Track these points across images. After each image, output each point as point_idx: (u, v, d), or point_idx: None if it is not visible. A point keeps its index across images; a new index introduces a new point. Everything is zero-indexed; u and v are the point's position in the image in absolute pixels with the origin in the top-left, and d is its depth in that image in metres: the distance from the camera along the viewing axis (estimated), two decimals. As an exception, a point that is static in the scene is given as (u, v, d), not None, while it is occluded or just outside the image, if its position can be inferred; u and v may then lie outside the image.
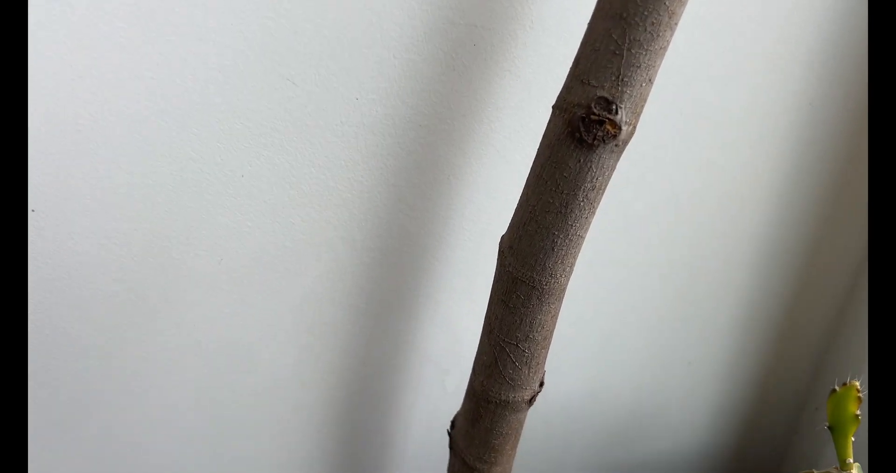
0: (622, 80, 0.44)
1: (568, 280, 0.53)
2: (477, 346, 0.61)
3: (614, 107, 0.45)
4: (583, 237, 0.51)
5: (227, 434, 0.74)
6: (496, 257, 0.55)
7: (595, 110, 0.45)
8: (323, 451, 0.79)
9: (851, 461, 0.56)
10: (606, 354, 0.85)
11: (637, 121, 0.47)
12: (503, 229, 0.64)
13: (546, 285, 0.52)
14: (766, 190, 0.80)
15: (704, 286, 0.85)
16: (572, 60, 0.47)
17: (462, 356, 0.77)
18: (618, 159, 0.48)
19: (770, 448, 1.03)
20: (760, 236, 0.84)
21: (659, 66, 0.45)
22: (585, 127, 0.46)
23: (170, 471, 0.74)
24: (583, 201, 0.49)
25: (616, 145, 0.46)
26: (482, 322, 0.61)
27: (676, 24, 0.44)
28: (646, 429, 0.94)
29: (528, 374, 0.56)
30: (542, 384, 0.59)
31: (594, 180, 0.48)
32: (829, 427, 0.57)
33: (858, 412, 0.55)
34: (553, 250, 0.50)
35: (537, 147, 0.50)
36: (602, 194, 0.50)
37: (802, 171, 0.80)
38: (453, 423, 0.64)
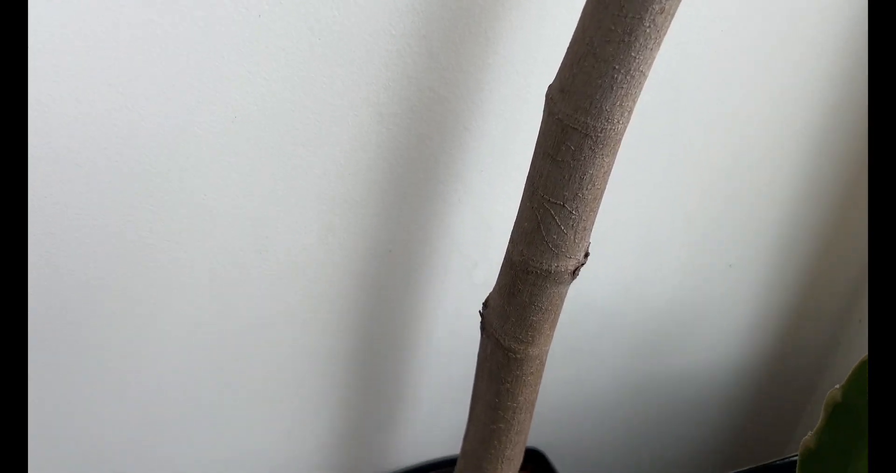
0: None
1: (625, 128, 0.47)
2: (509, 235, 0.56)
3: None
4: (645, 75, 0.45)
5: (239, 326, 0.69)
6: (542, 110, 0.49)
7: None
8: (340, 346, 0.74)
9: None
10: (644, 249, 0.79)
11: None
12: (543, 88, 0.58)
13: (601, 131, 0.46)
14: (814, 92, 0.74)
15: (749, 184, 0.79)
16: None
17: (492, 247, 0.72)
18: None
19: (810, 361, 0.99)
20: (808, 137, 0.78)
21: None
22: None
23: (176, 360, 0.70)
24: (649, 26, 0.42)
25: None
26: (515, 209, 0.56)
27: None
28: (680, 338, 0.90)
29: (574, 240, 0.51)
30: (587, 255, 0.53)
31: (663, 1, 0.42)
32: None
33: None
34: (612, 88, 0.44)
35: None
36: (670, 21, 0.43)
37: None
38: (486, 303, 0.59)
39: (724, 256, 0.83)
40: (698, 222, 0.79)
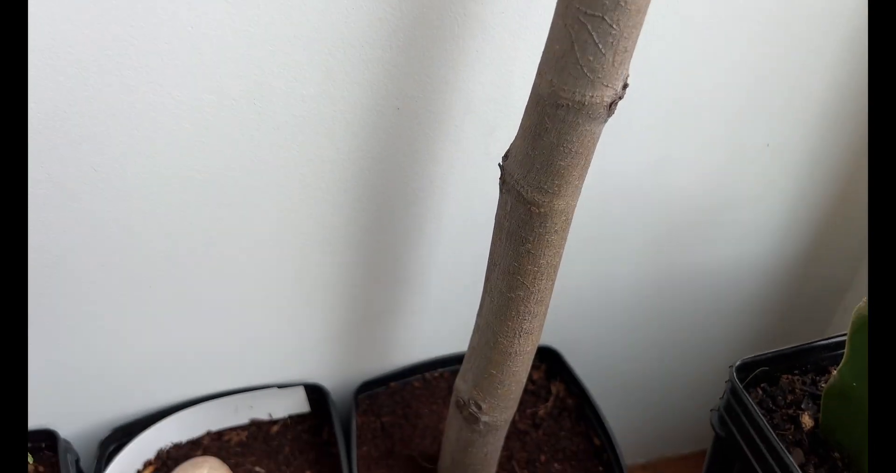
0: None
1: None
2: (529, 95, 0.49)
3: None
4: None
5: (235, 189, 0.64)
6: None
7: None
8: (342, 216, 0.69)
9: None
10: (673, 123, 0.72)
11: None
12: None
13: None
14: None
15: (795, 46, 0.71)
16: None
17: (512, 109, 0.65)
18: None
19: (844, 259, 0.93)
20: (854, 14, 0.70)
21: None
22: None
23: (170, 234, 0.65)
24: None
25: None
26: (536, 64, 0.49)
27: None
28: (707, 229, 0.84)
29: (613, 63, 0.44)
30: (626, 87, 0.47)
31: None
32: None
33: None
34: None
35: None
36: None
37: None
38: (506, 154, 0.53)
39: (760, 134, 0.76)
40: (735, 93, 0.72)
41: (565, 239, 0.55)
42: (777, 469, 0.54)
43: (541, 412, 0.83)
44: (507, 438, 0.81)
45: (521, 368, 0.63)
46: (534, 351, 0.62)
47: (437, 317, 0.82)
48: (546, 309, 0.60)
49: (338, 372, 0.83)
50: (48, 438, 0.76)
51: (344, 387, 0.84)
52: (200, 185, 0.62)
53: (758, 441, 0.56)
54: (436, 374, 0.86)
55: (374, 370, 0.84)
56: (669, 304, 0.91)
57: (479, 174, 0.69)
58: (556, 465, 0.79)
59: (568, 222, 0.54)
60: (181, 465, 0.68)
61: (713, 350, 0.99)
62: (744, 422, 0.58)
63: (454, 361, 0.86)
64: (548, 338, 0.89)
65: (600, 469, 0.78)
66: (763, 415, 0.55)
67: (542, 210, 0.52)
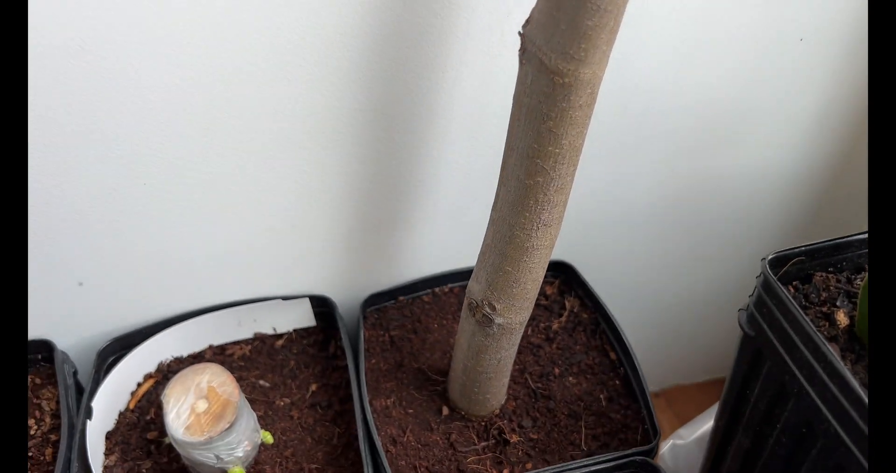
0: None
1: None
2: None
3: None
4: None
5: (259, 87, 0.59)
6: None
7: None
8: (347, 108, 0.64)
9: None
10: (702, 12, 0.67)
11: None
12: None
13: None
14: None
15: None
16: None
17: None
18: None
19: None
20: None
21: None
22: None
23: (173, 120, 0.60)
24: None
25: None
26: None
27: None
28: (733, 131, 0.79)
29: None
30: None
31: None
32: None
33: None
34: None
35: None
36: None
37: None
38: (527, 21, 0.49)
39: (795, 26, 0.71)
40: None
41: (590, 117, 0.51)
42: (814, 362, 0.51)
43: (554, 326, 0.80)
44: (520, 352, 0.78)
45: (537, 264, 0.59)
46: (552, 247, 0.59)
47: (447, 227, 0.78)
48: (566, 199, 0.56)
49: (344, 284, 0.80)
50: (45, 349, 0.73)
51: (350, 300, 0.81)
52: (200, 76, 0.58)
53: (792, 334, 0.52)
54: (445, 289, 0.83)
55: (382, 282, 0.81)
56: (690, 216, 0.87)
57: (492, 64, 0.64)
58: (570, 378, 0.76)
59: (594, 96, 0.50)
60: (182, 371, 0.65)
61: (735, 266, 0.96)
62: (777, 317, 0.54)
63: (464, 275, 0.83)
64: (562, 253, 0.85)
65: (617, 382, 0.75)
66: (799, 308, 0.52)
67: (567, 80, 0.47)
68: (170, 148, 0.62)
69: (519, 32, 0.49)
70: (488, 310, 0.62)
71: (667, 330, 1.03)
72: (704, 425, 0.88)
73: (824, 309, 0.57)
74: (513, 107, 0.53)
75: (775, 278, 0.54)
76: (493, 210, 0.59)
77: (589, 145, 0.75)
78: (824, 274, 0.59)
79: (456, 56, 0.63)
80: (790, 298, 0.53)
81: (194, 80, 0.58)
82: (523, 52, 0.50)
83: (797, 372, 0.53)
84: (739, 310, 0.60)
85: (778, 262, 0.57)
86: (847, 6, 0.71)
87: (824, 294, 0.58)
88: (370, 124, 0.66)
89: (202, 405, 0.63)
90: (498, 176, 0.58)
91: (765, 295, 0.55)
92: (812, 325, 0.51)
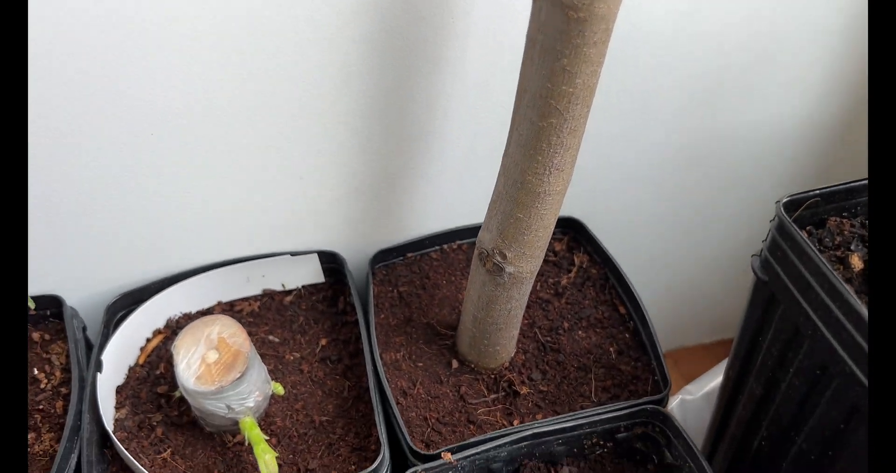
0: None
1: None
2: None
3: None
4: None
5: (267, 36, 0.58)
6: None
7: None
8: (356, 61, 0.64)
9: None
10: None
11: None
12: None
13: None
14: None
15: None
16: None
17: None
18: None
19: None
20: None
21: None
22: None
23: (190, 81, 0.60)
24: None
25: None
26: None
27: None
28: (746, 82, 0.78)
29: None
30: None
31: None
32: None
33: None
34: None
35: None
36: None
37: None
38: (541, -47, 0.48)
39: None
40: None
41: (604, 56, 0.50)
42: (830, 302, 0.50)
43: (563, 281, 0.80)
44: (529, 307, 0.78)
45: (549, 211, 0.59)
46: (563, 192, 0.58)
47: (456, 182, 0.78)
48: (579, 143, 0.55)
49: (352, 241, 0.79)
50: (54, 305, 0.73)
51: (359, 257, 0.80)
52: (212, 30, 0.57)
53: (807, 275, 0.52)
54: (454, 246, 0.83)
55: (390, 239, 0.80)
56: (700, 170, 0.86)
57: (503, 8, 0.63)
58: (579, 332, 0.76)
59: (608, 32, 0.49)
60: (192, 323, 0.65)
61: (744, 224, 0.95)
62: (791, 259, 0.54)
63: (473, 232, 0.82)
64: (570, 209, 0.84)
65: (626, 335, 0.75)
66: (815, 248, 0.52)
67: (581, 15, 0.46)
68: (178, 98, 0.61)
69: (533, -34, 0.48)
70: (499, 259, 0.62)
71: (674, 290, 1.03)
72: (713, 381, 0.88)
73: (838, 253, 0.56)
74: (525, 46, 0.52)
75: (790, 220, 0.53)
76: (504, 156, 0.59)
77: (597, 98, 0.74)
78: (838, 219, 0.59)
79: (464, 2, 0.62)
80: (805, 239, 0.53)
81: (204, 30, 0.57)
82: (537, -16, 0.49)
83: (812, 314, 0.53)
84: (752, 256, 0.60)
85: (792, 205, 0.56)
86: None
87: (838, 238, 0.57)
88: (378, 74, 0.65)
89: (213, 356, 0.63)
90: (506, 130, 0.57)
91: (779, 238, 0.55)
92: (828, 264, 0.51)
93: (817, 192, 0.57)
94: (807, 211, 0.58)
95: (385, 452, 0.62)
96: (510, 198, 0.58)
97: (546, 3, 0.48)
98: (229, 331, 0.65)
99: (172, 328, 0.76)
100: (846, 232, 0.58)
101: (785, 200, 0.56)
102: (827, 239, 0.57)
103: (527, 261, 0.62)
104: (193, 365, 0.62)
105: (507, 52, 0.67)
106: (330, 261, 0.78)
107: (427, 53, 0.65)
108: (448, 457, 0.61)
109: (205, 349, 0.63)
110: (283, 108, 0.65)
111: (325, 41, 0.61)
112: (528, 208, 0.58)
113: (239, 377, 0.62)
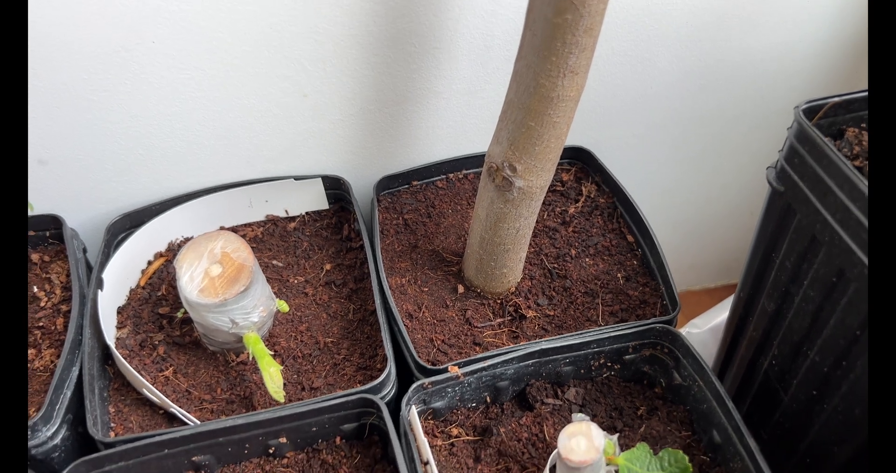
0: None
1: None
2: None
3: None
4: None
5: None
6: None
7: None
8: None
9: None
10: None
11: None
12: None
13: None
14: None
15: None
16: None
17: None
18: None
19: None
20: None
21: None
22: None
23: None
24: None
25: None
26: None
27: None
28: (758, 8, 0.76)
29: None
30: None
31: None
32: None
33: None
34: None
35: None
36: None
37: None
38: None
39: None
40: None
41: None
42: (849, 203, 0.49)
43: (571, 210, 0.79)
44: (535, 235, 0.77)
45: (562, 119, 0.57)
46: (577, 99, 0.57)
47: (462, 107, 0.76)
48: (594, 44, 0.54)
49: (357, 166, 0.78)
50: (54, 224, 0.71)
51: (362, 182, 0.79)
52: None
53: (826, 178, 0.51)
54: (460, 174, 0.81)
55: (395, 165, 0.79)
56: (707, 101, 0.85)
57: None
58: (586, 259, 0.75)
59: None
60: (194, 239, 0.64)
61: (756, 157, 0.94)
62: (810, 165, 0.53)
63: (479, 161, 0.81)
64: (578, 138, 0.83)
65: (634, 262, 0.74)
66: (836, 152, 0.50)
67: None
68: (180, 2, 0.60)
69: None
70: (508, 172, 0.60)
71: (679, 230, 1.02)
72: (719, 316, 0.87)
73: (857, 163, 0.55)
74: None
75: (810, 124, 0.52)
76: (516, 61, 0.57)
77: (607, 28, 0.72)
78: (856, 130, 0.57)
79: None
80: (826, 142, 0.51)
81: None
82: None
83: (830, 219, 0.52)
84: (768, 168, 0.58)
85: (811, 112, 0.55)
86: None
87: (857, 148, 0.56)
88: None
89: (216, 270, 0.62)
90: (517, 46, 0.55)
91: (798, 145, 0.54)
92: (850, 166, 0.49)
93: (836, 99, 0.55)
94: (825, 120, 0.56)
95: (391, 366, 0.61)
96: (522, 105, 0.57)
97: None
98: (232, 246, 0.63)
99: (174, 251, 0.74)
100: (864, 143, 0.56)
101: (804, 106, 0.54)
102: (846, 149, 0.56)
103: (537, 174, 0.61)
104: (196, 278, 0.61)
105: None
106: (334, 186, 0.77)
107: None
108: (455, 370, 0.60)
109: (208, 263, 0.62)
110: (289, 21, 0.63)
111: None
112: (540, 116, 0.56)
113: (243, 291, 0.61)
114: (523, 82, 0.56)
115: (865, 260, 0.49)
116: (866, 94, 0.56)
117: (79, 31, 0.59)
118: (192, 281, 0.61)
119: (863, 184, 0.48)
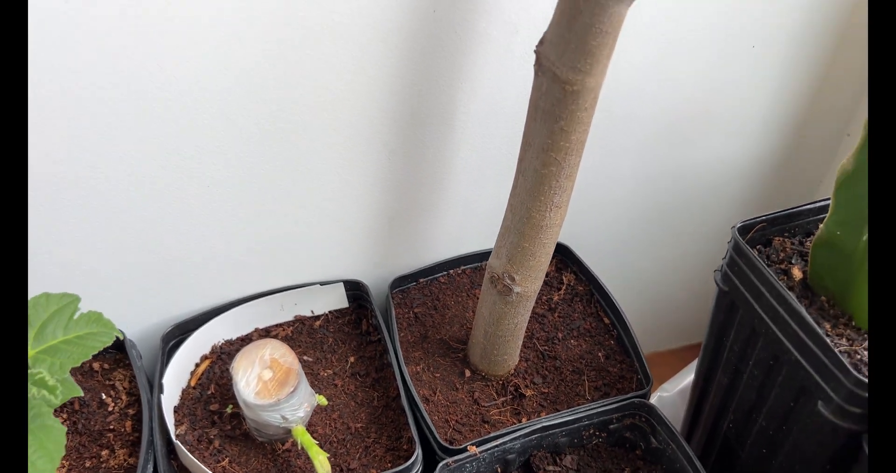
0: None
1: None
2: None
3: None
4: None
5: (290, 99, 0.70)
6: None
7: None
8: (382, 115, 0.76)
9: None
10: (673, 30, 0.80)
11: None
12: None
13: None
14: None
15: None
16: None
17: (533, 12, 0.72)
18: None
19: (815, 163, 1.04)
20: None
21: None
22: None
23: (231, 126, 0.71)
24: None
25: None
26: None
27: None
28: (701, 125, 0.92)
29: (641, -53, 0.52)
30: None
31: None
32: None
33: None
34: None
35: None
36: None
37: None
38: (541, 40, 0.60)
39: (747, 37, 0.85)
40: (725, 3, 0.80)
41: (592, 117, 0.63)
42: (778, 306, 0.64)
43: (555, 298, 0.93)
44: (527, 321, 0.90)
45: (549, 240, 0.71)
46: (561, 224, 0.71)
47: (462, 215, 0.90)
48: (573, 185, 0.68)
49: (372, 270, 0.91)
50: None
51: (377, 284, 0.92)
52: (250, 79, 0.68)
53: (759, 285, 0.65)
54: (459, 271, 0.95)
55: (405, 267, 0.92)
56: (664, 201, 1.00)
57: (502, 74, 0.76)
58: (572, 341, 0.88)
59: (595, 99, 0.62)
60: (245, 347, 0.76)
61: (704, 243, 1.09)
62: (746, 273, 0.67)
63: (475, 258, 0.94)
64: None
65: (611, 342, 0.88)
66: (764, 265, 0.65)
67: (575, 88, 0.59)
68: (222, 163, 0.72)
69: (535, 50, 0.61)
70: (508, 281, 0.74)
71: (647, 302, 1.17)
72: (685, 379, 1.01)
73: (782, 266, 0.70)
74: (528, 110, 0.65)
75: (744, 241, 0.67)
76: (511, 197, 0.71)
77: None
78: (781, 238, 0.72)
79: (472, 66, 0.75)
80: (756, 257, 0.66)
81: (249, 85, 0.69)
82: (539, 66, 0.61)
83: (764, 316, 0.66)
84: (715, 271, 0.73)
85: (745, 229, 0.70)
86: (788, 19, 0.85)
87: (782, 254, 0.71)
88: (400, 128, 0.77)
89: (267, 374, 0.73)
90: (504, 171, 0.70)
91: (735, 256, 0.68)
92: (775, 277, 0.64)
93: (763, 218, 0.70)
94: (756, 233, 0.71)
95: (418, 449, 0.73)
96: (517, 231, 0.71)
97: (546, 79, 0.61)
98: (279, 352, 0.75)
99: (217, 354, 0.85)
100: (787, 249, 0.71)
101: (739, 225, 0.69)
102: (773, 255, 0.71)
103: (531, 282, 0.74)
104: (252, 383, 0.73)
105: (506, 106, 0.80)
106: (353, 288, 0.89)
107: (441, 106, 0.77)
108: (473, 450, 0.73)
109: (260, 369, 0.74)
110: (318, 159, 0.76)
111: (351, 99, 0.73)
112: (532, 239, 0.70)
113: (292, 391, 0.72)
114: (517, 213, 0.70)
115: (793, 349, 0.63)
116: (786, 211, 0.72)
117: (145, 176, 0.71)
118: (248, 385, 0.72)
119: (786, 292, 0.63)
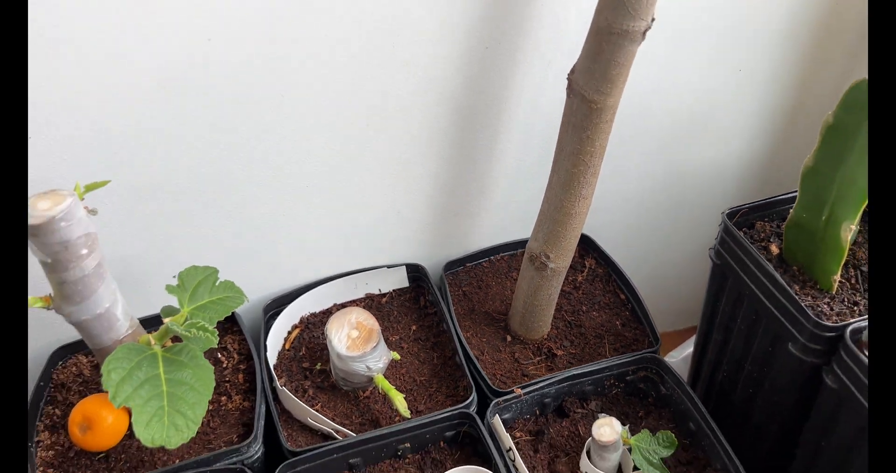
0: None
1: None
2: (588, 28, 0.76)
3: None
4: None
5: (359, 115, 0.90)
6: None
7: None
8: (438, 129, 0.95)
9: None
10: (669, 57, 1.00)
11: None
12: None
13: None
14: None
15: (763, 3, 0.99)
16: None
17: (567, 45, 0.91)
18: None
19: (792, 163, 1.22)
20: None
21: None
22: None
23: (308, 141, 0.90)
24: None
25: None
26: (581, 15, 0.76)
27: None
28: (697, 133, 1.11)
29: (646, 4, 0.71)
30: (653, 20, 0.73)
31: None
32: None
33: None
34: None
35: None
36: None
37: None
38: (573, 69, 0.80)
39: (734, 60, 1.04)
40: (713, 31, 0.99)
41: (611, 127, 0.82)
42: (759, 274, 0.82)
43: (579, 278, 1.11)
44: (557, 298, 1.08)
45: (578, 225, 0.90)
46: (586, 213, 0.89)
47: (500, 214, 1.09)
48: (595, 181, 0.87)
49: (427, 257, 1.10)
50: (222, 309, 1.01)
51: (432, 267, 1.11)
52: (332, 96, 0.88)
53: (745, 259, 0.84)
54: (498, 257, 1.14)
55: (454, 254, 1.11)
56: (669, 195, 1.19)
57: (538, 94, 0.96)
58: (594, 313, 1.07)
59: (614, 114, 0.81)
60: (336, 313, 0.94)
61: (700, 232, 1.28)
62: (734, 250, 0.86)
63: (512, 246, 1.13)
64: (579, 228, 1.16)
65: (626, 313, 1.06)
66: (749, 242, 0.84)
67: (599, 106, 0.79)
68: (320, 159, 0.92)
69: (567, 78, 0.80)
70: (544, 259, 0.93)
71: (653, 285, 1.35)
72: (687, 349, 1.19)
73: (763, 244, 0.89)
74: (561, 123, 0.84)
75: (732, 223, 0.85)
76: (546, 191, 0.90)
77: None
78: (762, 222, 0.91)
79: (515, 89, 0.94)
80: (742, 237, 0.85)
81: (330, 111, 0.88)
82: (570, 89, 0.81)
83: (749, 282, 0.84)
84: (709, 249, 0.91)
85: (732, 214, 0.89)
86: (772, 49, 1.04)
87: (762, 234, 0.89)
88: (458, 136, 0.96)
89: (354, 333, 0.92)
90: (535, 176, 0.88)
91: (725, 236, 0.87)
92: (757, 252, 0.83)
93: (747, 205, 0.89)
94: (742, 218, 0.90)
95: (474, 392, 0.91)
96: (552, 218, 0.90)
97: (576, 99, 0.80)
98: (363, 316, 0.94)
99: (305, 323, 1.04)
100: (767, 230, 0.90)
101: (727, 211, 0.88)
102: (755, 235, 0.89)
103: (562, 259, 0.93)
104: (343, 340, 0.91)
105: (540, 121, 0.99)
106: (413, 270, 1.08)
107: (490, 124, 0.96)
108: (519, 391, 0.91)
109: (349, 329, 0.92)
110: (395, 163, 0.96)
111: (415, 113, 0.92)
112: (564, 224, 0.89)
113: (374, 346, 0.91)
114: (552, 204, 0.89)
115: (771, 307, 0.81)
116: (766, 200, 0.90)
117: (255, 186, 0.91)
118: (341, 342, 0.91)
119: (766, 263, 0.81)
